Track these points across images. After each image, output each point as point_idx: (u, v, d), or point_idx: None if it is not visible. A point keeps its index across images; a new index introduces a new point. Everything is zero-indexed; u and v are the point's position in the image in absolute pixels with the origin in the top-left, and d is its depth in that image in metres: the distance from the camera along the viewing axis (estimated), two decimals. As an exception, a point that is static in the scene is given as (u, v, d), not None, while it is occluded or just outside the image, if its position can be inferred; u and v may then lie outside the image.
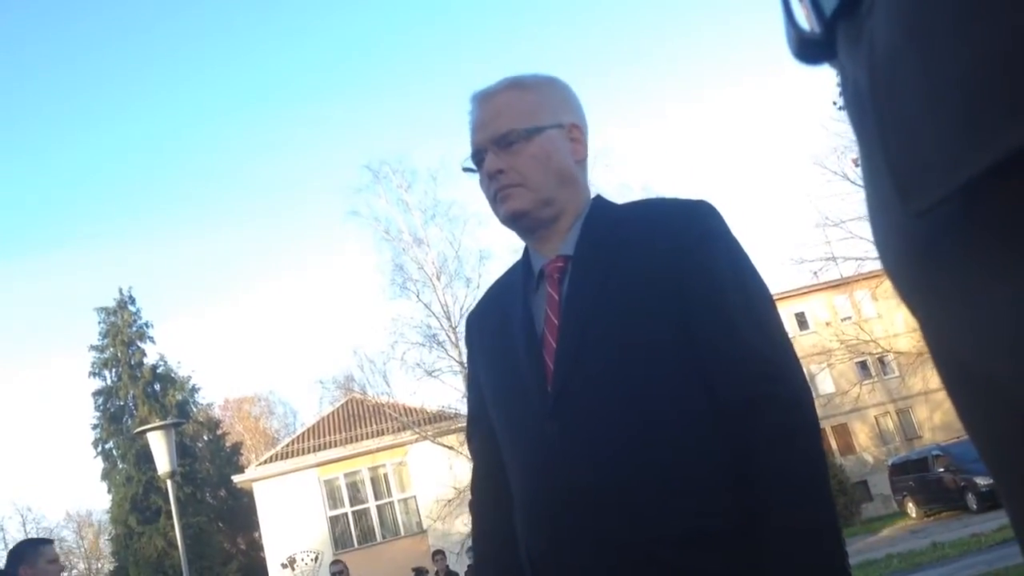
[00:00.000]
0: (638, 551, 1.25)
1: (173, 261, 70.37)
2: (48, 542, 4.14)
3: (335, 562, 13.75)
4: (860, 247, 22.00)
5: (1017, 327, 0.36)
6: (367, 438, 25.06)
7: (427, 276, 21.64)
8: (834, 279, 27.42)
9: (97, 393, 34.84)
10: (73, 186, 65.66)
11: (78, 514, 53.72)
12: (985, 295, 0.37)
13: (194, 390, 36.90)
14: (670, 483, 1.25)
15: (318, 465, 24.88)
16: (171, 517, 10.60)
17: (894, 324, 27.58)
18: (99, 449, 34.81)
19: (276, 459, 25.68)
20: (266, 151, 69.25)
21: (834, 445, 29.32)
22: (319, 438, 25.89)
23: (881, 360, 29.85)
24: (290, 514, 24.18)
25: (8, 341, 63.75)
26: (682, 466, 1.26)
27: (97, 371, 34.90)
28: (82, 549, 53.48)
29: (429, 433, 22.16)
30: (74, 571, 52.94)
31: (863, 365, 30.06)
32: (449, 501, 21.53)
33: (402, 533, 24.80)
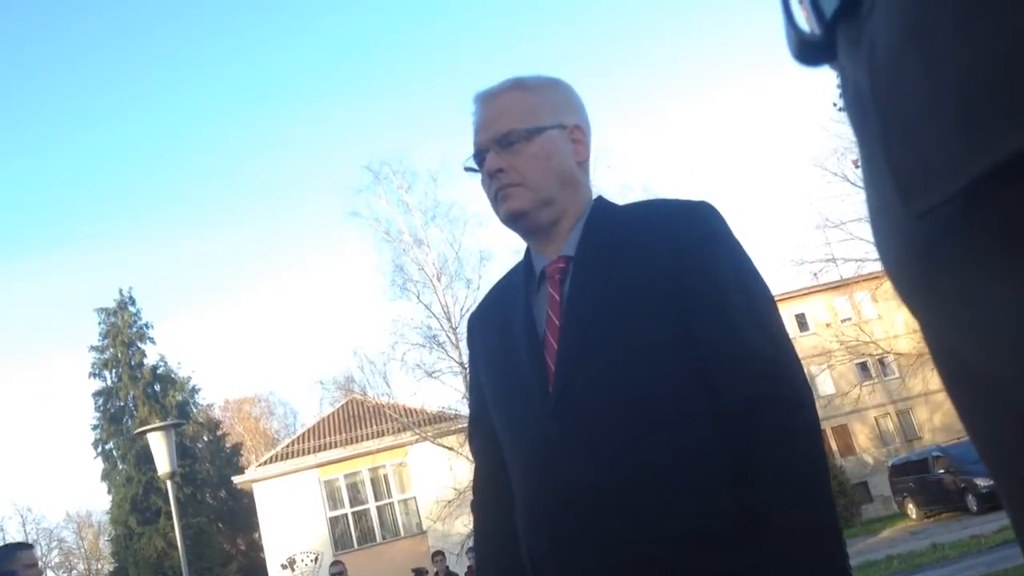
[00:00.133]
0: (639, 551, 1.25)
1: (173, 261, 70.47)
2: (27, 547, 4.12)
3: (335, 563, 13.75)
4: (860, 248, 22.02)
5: (1017, 328, 0.36)
6: (367, 439, 25.06)
7: (427, 277, 21.65)
8: (834, 280, 27.44)
9: (97, 394, 34.83)
10: (73, 186, 65.77)
11: (78, 515, 53.80)
12: (985, 296, 0.37)
13: (194, 391, 36.89)
14: (671, 483, 1.25)
15: (318, 466, 24.88)
16: (171, 518, 10.60)
17: (894, 325, 27.57)
18: (99, 450, 34.82)
19: (276, 460, 25.68)
20: (266, 151, 69.35)
21: (834, 446, 29.31)
22: (319, 439, 25.89)
23: (881, 361, 29.85)
24: (290, 515, 24.17)
25: (8, 341, 63.81)
26: (683, 466, 1.26)
27: (97, 372, 34.91)
28: (82, 550, 53.48)
29: (429, 434, 22.15)
30: (74, 571, 52.98)
31: (863, 366, 30.06)
32: (449, 502, 21.51)
33: (402, 534, 24.79)
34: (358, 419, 26.22)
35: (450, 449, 21.22)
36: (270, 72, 67.27)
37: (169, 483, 9.39)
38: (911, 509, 22.38)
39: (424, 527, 24.06)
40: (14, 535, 46.77)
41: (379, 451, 24.72)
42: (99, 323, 35.04)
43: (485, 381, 1.52)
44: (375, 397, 23.10)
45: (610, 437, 1.28)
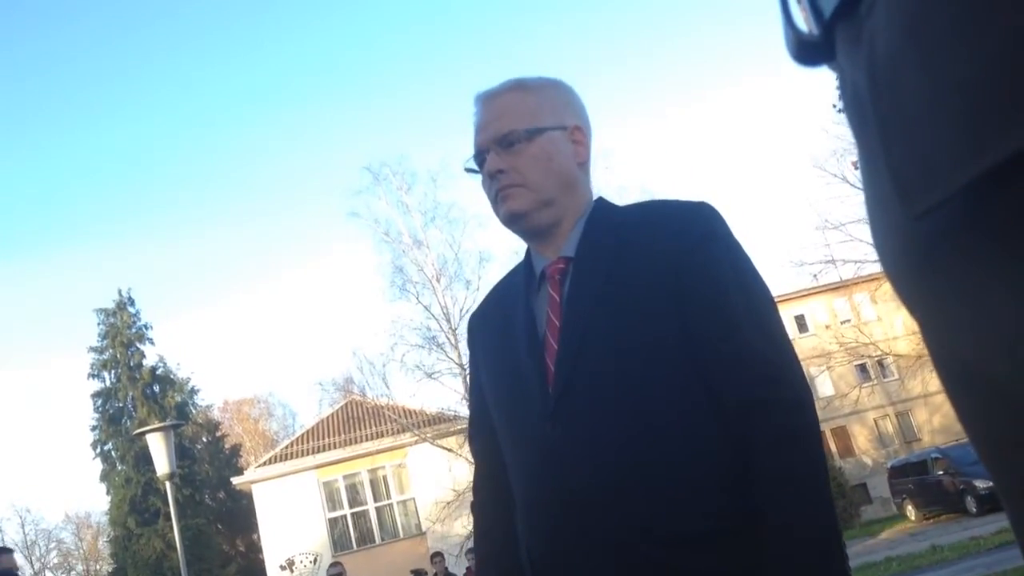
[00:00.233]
0: (638, 552, 1.25)
1: (172, 261, 70.45)
2: (6, 551, 4.11)
3: (334, 564, 13.73)
4: (860, 250, 22.03)
5: (1016, 328, 0.36)
6: (366, 440, 25.05)
7: (427, 278, 21.64)
8: (833, 282, 27.44)
9: (96, 395, 34.82)
10: (72, 186, 65.74)
11: (77, 516, 53.78)
12: (984, 296, 0.37)
13: (193, 392, 36.90)
14: (670, 484, 1.25)
15: (317, 467, 24.86)
16: (170, 519, 10.60)
17: (893, 327, 27.59)
18: (98, 451, 34.80)
19: (275, 461, 25.66)
20: (266, 151, 69.35)
21: (833, 448, 29.30)
22: (318, 440, 25.87)
23: (880, 363, 29.86)
24: (289, 516, 24.15)
25: (8, 342, 63.77)
26: (682, 467, 1.26)
27: (96, 373, 34.90)
28: (81, 551, 53.46)
29: (428, 435, 22.14)
30: (73, 572, 52.96)
31: (862, 368, 30.06)
32: (448, 503, 21.49)
33: (401, 535, 24.78)
34: (357, 420, 26.21)
35: (449, 450, 21.21)
36: (270, 72, 67.36)
37: (168, 484, 9.38)
38: (910, 511, 22.38)
39: (423, 528, 24.04)
40: (13, 536, 46.84)
41: (378, 452, 24.71)
42: (98, 324, 35.07)
43: (485, 382, 1.52)
44: (374, 398, 23.10)
45: (609, 438, 1.28)
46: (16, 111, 60.22)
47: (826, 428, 28.90)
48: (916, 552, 15.18)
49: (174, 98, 65.18)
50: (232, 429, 49.04)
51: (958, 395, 0.45)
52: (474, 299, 20.14)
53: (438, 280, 21.54)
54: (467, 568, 13.85)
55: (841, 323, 29.71)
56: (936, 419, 29.66)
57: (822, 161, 24.51)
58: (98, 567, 49.85)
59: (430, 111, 62.65)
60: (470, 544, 17.00)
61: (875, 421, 30.89)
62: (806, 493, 1.21)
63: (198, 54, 65.86)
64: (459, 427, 21.34)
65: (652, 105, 67.19)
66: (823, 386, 29.24)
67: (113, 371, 34.73)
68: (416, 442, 22.84)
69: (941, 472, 20.11)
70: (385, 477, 25.20)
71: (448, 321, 21.14)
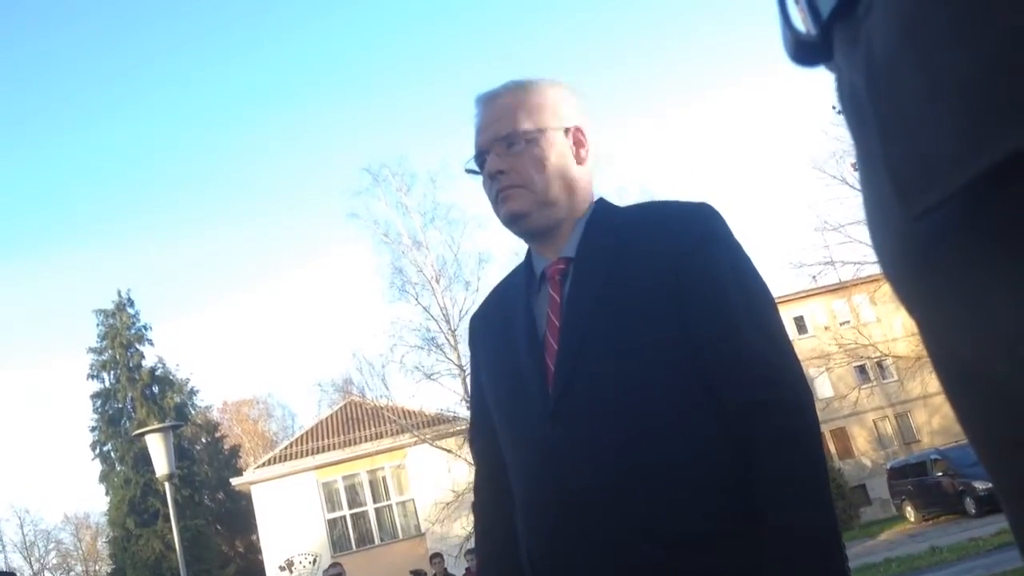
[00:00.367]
0: (638, 552, 1.25)
1: (172, 262, 70.35)
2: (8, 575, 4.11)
3: (333, 564, 13.72)
4: (859, 251, 22.06)
5: (1015, 328, 0.36)
6: (366, 441, 25.04)
7: (426, 279, 21.65)
8: (833, 283, 27.47)
9: (95, 395, 34.81)
10: (72, 186, 65.72)
11: (76, 516, 53.71)
12: (984, 296, 0.37)
13: (192, 392, 36.90)
14: (670, 485, 1.26)
15: (316, 468, 24.85)
16: (169, 520, 10.60)
17: (893, 328, 27.58)
18: (97, 451, 34.79)
19: (274, 462, 25.65)
20: (265, 152, 69.35)
21: (833, 449, 29.29)
22: (317, 441, 25.87)
23: (880, 364, 29.85)
24: (288, 517, 24.14)
25: (7, 342, 63.75)
26: (682, 468, 1.26)
27: (95, 373, 34.89)
28: (80, 551, 53.41)
29: (428, 436, 22.15)
30: (72, 573, 52.92)
31: (862, 369, 30.06)
32: (447, 504, 21.50)
33: (400, 536, 24.76)
34: (356, 421, 26.20)
35: (448, 451, 21.21)
36: (270, 73, 67.37)
37: (167, 485, 9.38)
38: (909, 512, 22.38)
39: (422, 529, 24.04)
40: (12, 536, 46.83)
41: (377, 453, 24.70)
42: (97, 324, 35.06)
43: (486, 382, 1.52)
44: (374, 399, 23.09)
45: (610, 438, 1.28)
46: (16, 111, 60.26)
47: (825, 429, 28.88)
48: (915, 553, 15.18)
49: (174, 98, 65.24)
50: (231, 430, 49.02)
51: (957, 395, 0.45)
52: (473, 300, 20.15)
53: (437, 281, 21.55)
54: (466, 569, 13.84)
55: (840, 324, 29.72)
56: (935, 420, 29.66)
57: (821, 162, 24.58)
58: (97, 568, 49.81)
59: (430, 112, 62.74)
60: (469, 545, 17.03)
61: (874, 422, 30.89)
62: (806, 494, 1.21)
63: (198, 54, 65.91)
64: (458, 428, 21.34)
65: (652, 105, 67.28)
66: (822, 387, 29.24)
67: (112, 372, 34.73)
68: (415, 443, 22.84)
69: (940, 473, 20.11)
70: (384, 478, 25.19)
71: (447, 322, 21.15)
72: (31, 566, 49.79)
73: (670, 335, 1.29)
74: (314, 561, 23.21)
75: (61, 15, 61.37)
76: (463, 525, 20.85)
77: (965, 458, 18.29)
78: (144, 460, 23.97)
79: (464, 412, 20.13)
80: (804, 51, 0.47)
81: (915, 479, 21.61)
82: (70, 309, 69.40)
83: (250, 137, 67.82)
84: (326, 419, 26.84)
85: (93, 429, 34.74)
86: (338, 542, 24.58)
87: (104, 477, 34.53)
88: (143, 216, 68.07)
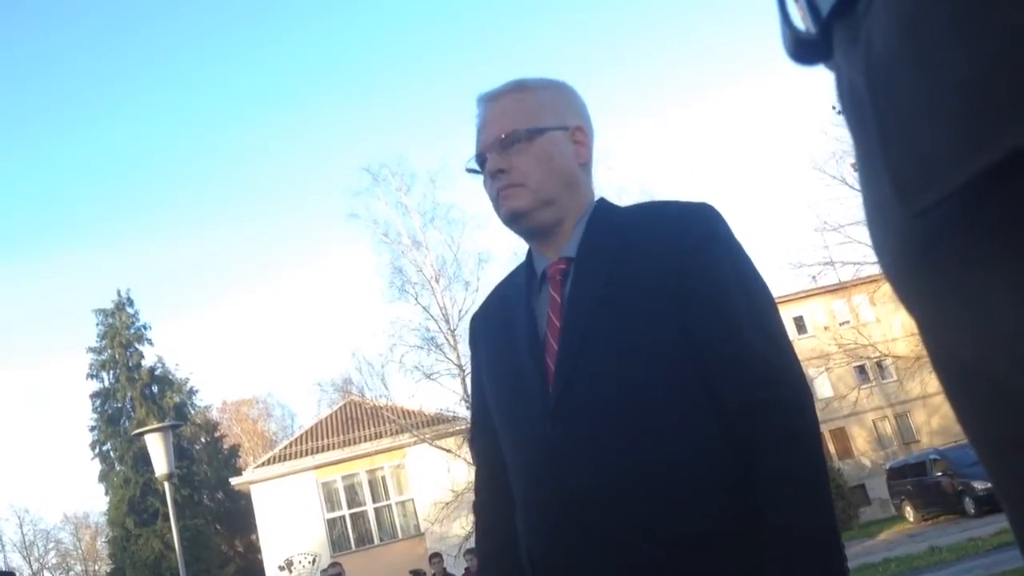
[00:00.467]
0: (637, 552, 1.25)
1: (171, 262, 70.34)
2: (8, 575, 4.11)
3: (332, 564, 13.73)
4: (859, 251, 22.05)
5: (1015, 327, 0.36)
6: (365, 441, 25.04)
7: (426, 279, 21.63)
8: (832, 283, 27.48)
9: (95, 395, 34.79)
10: (71, 186, 65.73)
11: (75, 516, 53.70)
12: (983, 295, 0.37)
13: (192, 392, 36.88)
14: (670, 485, 1.26)
15: (316, 468, 24.85)
16: (168, 519, 10.60)
17: (892, 328, 27.59)
18: (97, 451, 34.77)
19: (274, 461, 25.65)
20: (265, 152, 69.35)
21: (832, 449, 29.30)
22: (317, 440, 25.87)
23: (879, 364, 29.86)
24: (288, 516, 24.14)
25: (6, 342, 63.73)
26: (682, 468, 1.26)
27: (95, 373, 34.87)
28: (79, 551, 53.41)
29: (427, 436, 22.14)
30: (71, 573, 52.92)
31: (861, 369, 30.07)
32: (447, 504, 21.48)
33: (400, 536, 24.77)
34: (356, 421, 26.20)
35: (448, 451, 21.20)
36: (269, 73, 67.37)
37: (167, 484, 9.38)
38: (909, 512, 22.38)
39: (422, 529, 24.04)
40: (11, 536, 46.81)
41: (377, 453, 24.71)
42: (97, 324, 35.04)
43: (486, 382, 1.52)
44: (373, 399, 23.08)
45: (609, 438, 1.28)
46: (16, 111, 60.26)
47: (825, 429, 28.89)
48: (914, 553, 15.18)
49: (174, 98, 65.23)
50: (231, 429, 49.01)
51: (957, 395, 0.45)
52: (473, 300, 20.14)
53: (437, 281, 21.54)
54: (465, 569, 13.83)
55: (840, 324, 29.73)
56: (935, 420, 29.67)
57: (821, 163, 24.58)
58: (96, 567, 49.80)
59: (429, 112, 62.73)
60: (468, 545, 17.01)
61: (874, 422, 30.90)
62: (806, 494, 1.21)
63: (198, 54, 65.90)
64: (458, 428, 21.35)
65: (652, 105, 67.29)
66: (822, 387, 29.24)
67: (112, 371, 34.71)
68: (415, 443, 22.83)
69: (940, 473, 20.12)
70: (384, 478, 25.19)
71: (447, 322, 21.14)
72: (30, 566, 49.81)
73: (671, 335, 1.29)
74: (313, 561, 23.21)
75: (61, 15, 61.39)
76: (462, 525, 20.84)
77: (964, 458, 18.30)
78: (143, 460, 23.95)
79: (463, 412, 20.14)
80: (804, 50, 0.47)
81: (914, 479, 21.62)
82: (70, 309, 69.47)
83: (250, 137, 67.88)
84: (325, 419, 26.84)
85: (92, 429, 34.73)
86: (337, 542, 24.58)
87: (103, 477, 34.52)
88: (143, 216, 68.16)
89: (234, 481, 27.03)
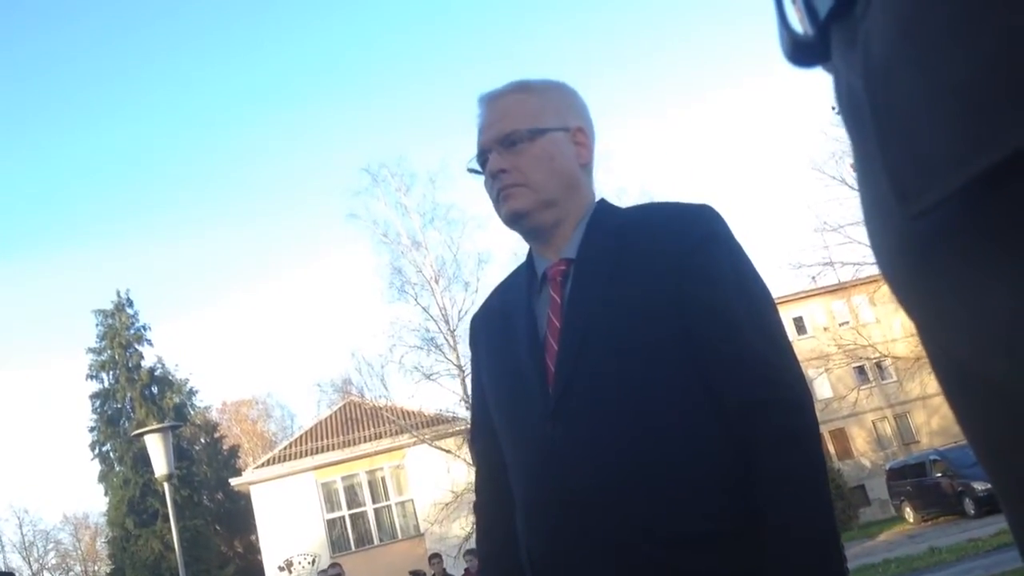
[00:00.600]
0: (637, 552, 1.25)
1: (172, 261, 70.41)
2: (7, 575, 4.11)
3: (332, 565, 13.74)
4: (858, 252, 22.09)
5: (1014, 327, 0.36)
6: (365, 441, 25.04)
7: (425, 279, 21.62)
8: (832, 284, 27.49)
9: (95, 396, 34.77)
10: (71, 186, 65.72)
11: (75, 516, 53.68)
12: (982, 296, 0.37)
13: (192, 393, 36.88)
14: (670, 485, 1.26)
15: (315, 468, 24.84)
16: (168, 520, 10.61)
17: (892, 329, 27.60)
18: (96, 451, 34.76)
19: (273, 462, 25.64)
20: (265, 152, 69.35)
21: (832, 450, 29.30)
22: (317, 441, 25.86)
23: (879, 365, 29.87)
24: (287, 517, 24.13)
25: (6, 343, 63.70)
26: (682, 468, 1.26)
27: (95, 374, 34.85)
28: (79, 552, 53.39)
29: (427, 436, 22.13)
30: (71, 573, 52.91)
31: (861, 370, 30.07)
32: (447, 504, 21.47)
33: (399, 536, 24.76)
34: (356, 421, 26.19)
35: (448, 452, 21.19)
36: (269, 73, 67.37)
37: (166, 485, 9.38)
38: (908, 513, 22.38)
39: (422, 529, 24.03)
40: (11, 536, 46.81)
41: (376, 453, 24.70)
42: (96, 325, 35.03)
43: (487, 382, 1.53)
44: (373, 399, 23.08)
45: (609, 439, 1.29)
46: (16, 111, 60.24)
47: (824, 430, 28.89)
48: (914, 554, 15.18)
49: (174, 98, 65.22)
50: (230, 430, 49.00)
51: (956, 396, 0.45)
52: (473, 300, 20.14)
53: (437, 281, 21.53)
54: (465, 569, 13.83)
55: (840, 325, 29.74)
56: (934, 421, 29.67)
57: (821, 163, 24.62)
58: (96, 568, 49.79)
59: (429, 112, 62.72)
60: (468, 545, 17.01)
61: (873, 423, 30.90)
62: (805, 494, 1.21)
63: (198, 54, 65.90)
64: (457, 428, 21.34)
65: (652, 106, 67.29)
66: (821, 388, 29.24)
67: (111, 372, 34.70)
68: (414, 443, 22.82)
69: (939, 474, 20.12)
70: (383, 478, 25.19)
71: (447, 322, 21.13)
72: (30, 566, 49.78)
73: (671, 336, 1.29)
74: (313, 561, 23.21)
75: (61, 15, 61.39)
76: (462, 525, 20.83)
77: (964, 459, 18.30)
78: (143, 460, 23.96)
79: (463, 412, 20.13)
80: (801, 52, 0.47)
81: (914, 480, 21.62)
82: (70, 309, 69.47)
83: (250, 137, 67.86)
84: (325, 419, 26.83)
85: (92, 429, 34.72)
86: (337, 542, 24.58)
87: (103, 477, 34.50)
88: (143, 216, 68.16)
89: (234, 482, 27.02)
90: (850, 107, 0.45)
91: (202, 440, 38.19)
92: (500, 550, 1.47)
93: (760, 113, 64.14)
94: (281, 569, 23.46)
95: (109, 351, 34.54)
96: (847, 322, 29.61)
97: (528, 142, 1.42)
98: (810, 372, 27.38)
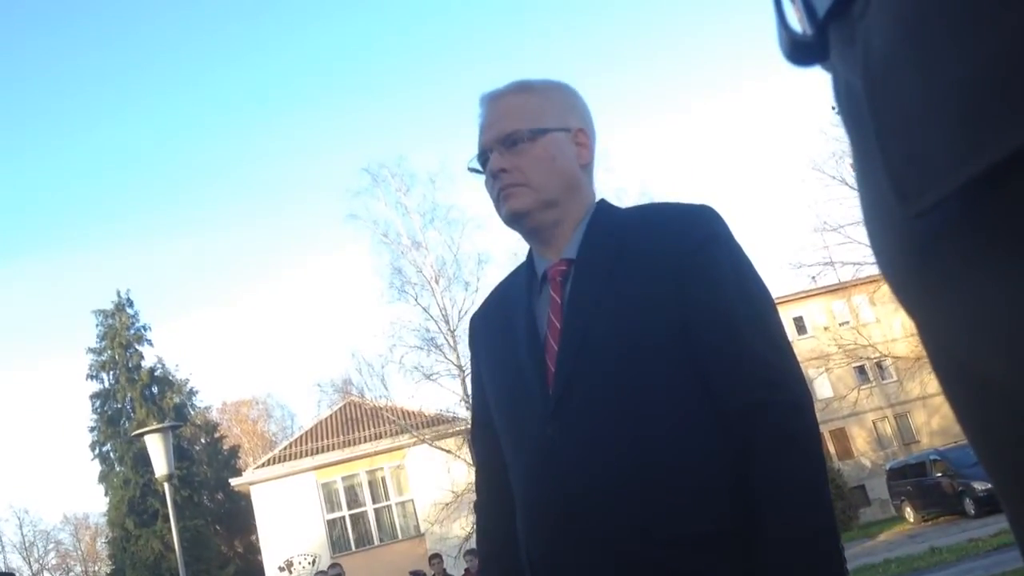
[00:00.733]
0: (636, 554, 1.25)
1: (171, 263, 70.39)
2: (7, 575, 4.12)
3: (332, 565, 13.74)
4: (858, 252, 22.10)
5: (1014, 326, 0.36)
6: (365, 441, 25.03)
7: (425, 279, 21.61)
8: (832, 284, 27.51)
9: (95, 396, 34.78)
10: (71, 187, 65.74)
11: (75, 517, 53.72)
12: (982, 295, 0.37)
13: (192, 393, 36.90)
14: (669, 486, 1.26)
15: (316, 468, 24.84)
16: (168, 520, 10.61)
17: (892, 329, 27.60)
18: (96, 452, 34.76)
19: (274, 462, 25.63)
20: (265, 152, 69.38)
21: (832, 450, 29.30)
22: (317, 441, 25.85)
23: (879, 365, 29.87)
24: (287, 517, 24.13)
25: (6, 343, 63.71)
26: (682, 469, 1.26)
27: (95, 374, 34.86)
28: (79, 552, 53.41)
29: (427, 436, 22.12)
30: (71, 574, 52.91)
31: (861, 370, 30.07)
32: (447, 505, 21.46)
33: (399, 536, 24.76)
34: (356, 422, 26.19)
35: (448, 452, 21.18)
36: (269, 73, 67.39)
37: (167, 485, 9.38)
38: (909, 512, 22.39)
39: (422, 530, 24.03)
40: (11, 537, 46.79)
41: (377, 453, 24.69)
42: (96, 325, 35.04)
43: (487, 382, 1.53)
44: (373, 400, 23.06)
45: (609, 439, 1.29)
46: (16, 111, 60.24)
47: (825, 430, 28.89)
48: (914, 554, 15.18)
49: (174, 98, 65.23)
50: (231, 430, 49.00)
51: (956, 395, 0.45)
52: (473, 301, 20.12)
53: (437, 281, 21.52)
54: (465, 570, 13.83)
55: (840, 325, 29.73)
56: (935, 421, 29.67)
57: (821, 163, 24.61)
58: (96, 568, 49.80)
59: (429, 112, 62.77)
60: (468, 545, 17.01)
61: (874, 423, 30.89)
62: (805, 495, 1.21)
63: (198, 54, 65.92)
64: (458, 429, 21.34)
65: (652, 106, 67.30)
66: (822, 388, 29.24)
67: (112, 372, 34.70)
68: (415, 443, 22.81)
69: (939, 474, 20.12)
70: (384, 478, 25.18)
71: (447, 323, 21.11)
72: (30, 566, 49.80)
73: (670, 337, 1.29)
74: (313, 561, 23.21)
75: (61, 15, 61.38)
76: (462, 526, 20.82)
77: (964, 459, 18.30)
78: (143, 460, 23.96)
79: (463, 413, 20.12)
80: (800, 51, 0.47)
81: (914, 480, 21.62)
82: (70, 309, 69.55)
83: (250, 137, 67.87)
84: (325, 419, 26.83)
85: (92, 429, 34.72)
86: (337, 542, 24.58)
87: (103, 477, 34.51)
88: (143, 216, 68.17)
89: (234, 482, 27.01)
90: (849, 106, 0.45)
91: (202, 440, 38.19)
92: (500, 550, 1.47)
93: (760, 113, 64.19)
94: (281, 569, 23.46)
95: (109, 351, 34.54)
96: (847, 322, 29.60)
97: (529, 142, 1.42)
98: (810, 372, 27.38)
